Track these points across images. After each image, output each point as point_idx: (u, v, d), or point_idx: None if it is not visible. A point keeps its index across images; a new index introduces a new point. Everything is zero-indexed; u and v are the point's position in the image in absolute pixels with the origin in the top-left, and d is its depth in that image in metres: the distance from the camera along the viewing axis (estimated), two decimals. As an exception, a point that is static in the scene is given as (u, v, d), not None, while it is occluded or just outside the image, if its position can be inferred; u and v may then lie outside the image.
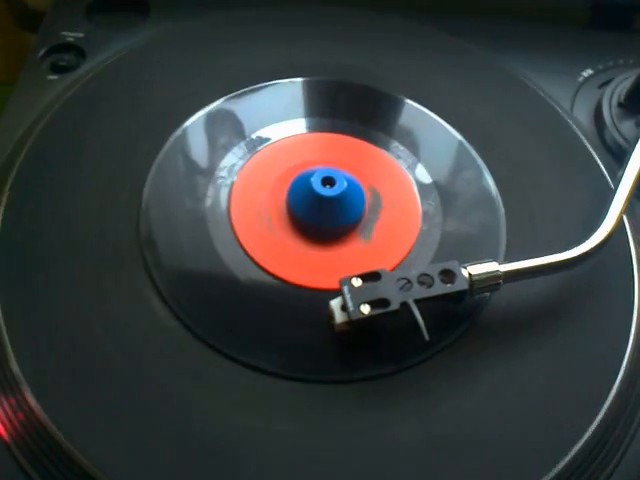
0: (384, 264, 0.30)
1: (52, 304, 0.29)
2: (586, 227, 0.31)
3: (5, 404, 0.28)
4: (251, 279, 0.31)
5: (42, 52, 0.39)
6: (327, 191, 0.30)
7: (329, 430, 0.27)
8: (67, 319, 0.29)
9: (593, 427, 0.28)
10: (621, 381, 0.29)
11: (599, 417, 0.28)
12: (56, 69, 0.38)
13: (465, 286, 0.28)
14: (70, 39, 0.40)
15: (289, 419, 0.27)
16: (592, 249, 0.30)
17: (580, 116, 0.39)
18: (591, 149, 0.37)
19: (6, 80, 0.48)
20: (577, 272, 0.30)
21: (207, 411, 0.27)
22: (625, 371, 0.29)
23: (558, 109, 0.38)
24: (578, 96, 0.40)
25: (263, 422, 0.27)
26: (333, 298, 0.28)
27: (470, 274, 0.28)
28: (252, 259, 0.31)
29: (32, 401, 0.27)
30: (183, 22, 0.41)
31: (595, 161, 0.36)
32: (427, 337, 0.26)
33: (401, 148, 0.36)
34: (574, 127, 0.37)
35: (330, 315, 0.28)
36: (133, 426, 0.27)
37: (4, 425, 0.27)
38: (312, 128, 0.36)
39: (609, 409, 0.28)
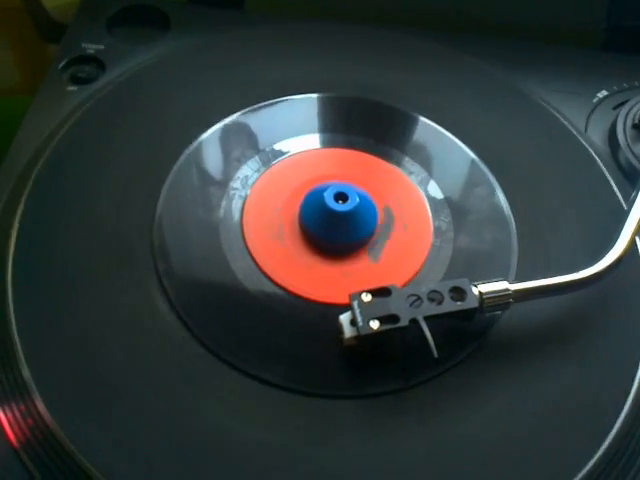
0: (395, 280, 0.30)
1: (65, 312, 0.30)
2: (598, 248, 0.31)
3: (15, 409, 0.28)
4: (261, 291, 0.31)
5: (63, 63, 0.40)
6: (339, 206, 0.31)
7: (333, 445, 0.27)
8: (79, 327, 0.29)
9: (602, 450, 0.27)
10: (632, 402, 0.29)
11: (608, 439, 0.28)
12: (76, 80, 0.39)
13: (475, 304, 0.28)
14: (90, 51, 0.40)
15: (292, 433, 0.27)
16: (604, 270, 0.30)
17: (594, 137, 0.39)
18: (605, 170, 0.36)
19: (27, 90, 0.49)
20: (588, 292, 0.30)
21: (212, 423, 0.27)
22: (636, 392, 0.29)
23: (572, 129, 0.38)
24: (592, 117, 0.40)
25: (265, 435, 0.27)
26: (342, 313, 0.29)
27: (480, 292, 0.28)
28: (263, 271, 0.31)
29: (41, 407, 0.27)
30: (201, 36, 0.41)
31: (608, 182, 0.36)
32: (436, 355, 0.26)
33: (414, 164, 0.36)
34: (588, 148, 0.37)
35: (339, 329, 0.28)
36: (141, 435, 0.27)
37: (13, 431, 0.28)
38: (326, 143, 0.36)
39: (619, 431, 0.28)
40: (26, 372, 0.28)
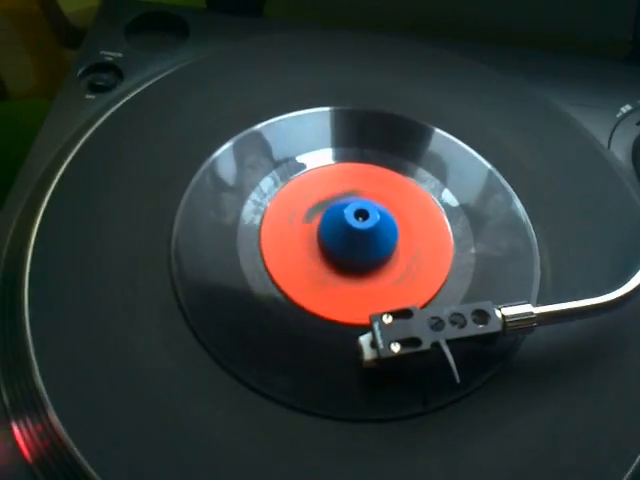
0: (416, 298, 0.30)
1: (79, 322, 0.29)
2: (623, 267, 0.31)
3: (29, 424, 0.28)
4: (277, 309, 0.30)
5: (81, 71, 0.39)
6: (360, 224, 0.30)
7: (348, 471, 0.27)
8: (94, 338, 0.29)
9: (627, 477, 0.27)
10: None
11: (633, 467, 0.27)
12: (94, 89, 0.39)
13: (498, 328, 0.28)
14: (109, 59, 0.40)
15: (305, 456, 0.27)
16: (631, 292, 0.29)
17: (617, 153, 0.38)
18: (629, 186, 0.36)
19: (44, 95, 0.49)
20: (615, 314, 0.30)
21: (226, 442, 0.27)
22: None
23: (595, 145, 0.38)
24: (616, 132, 0.39)
25: (277, 457, 0.27)
26: (361, 333, 0.28)
27: (504, 316, 0.28)
28: (280, 289, 0.31)
29: (55, 421, 0.27)
30: (221, 44, 0.41)
31: (632, 199, 0.35)
32: (458, 380, 0.26)
33: (432, 178, 0.35)
34: (611, 164, 0.37)
35: (358, 351, 0.28)
36: (155, 449, 0.27)
37: (26, 445, 0.27)
38: (344, 157, 0.36)
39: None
40: (40, 385, 0.27)
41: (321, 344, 0.29)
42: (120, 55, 0.40)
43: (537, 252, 0.33)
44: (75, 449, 0.26)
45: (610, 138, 0.39)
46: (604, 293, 0.29)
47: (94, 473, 0.26)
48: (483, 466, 0.27)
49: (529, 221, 0.34)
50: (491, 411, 0.28)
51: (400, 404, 0.28)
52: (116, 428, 0.27)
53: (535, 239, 0.33)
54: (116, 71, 0.40)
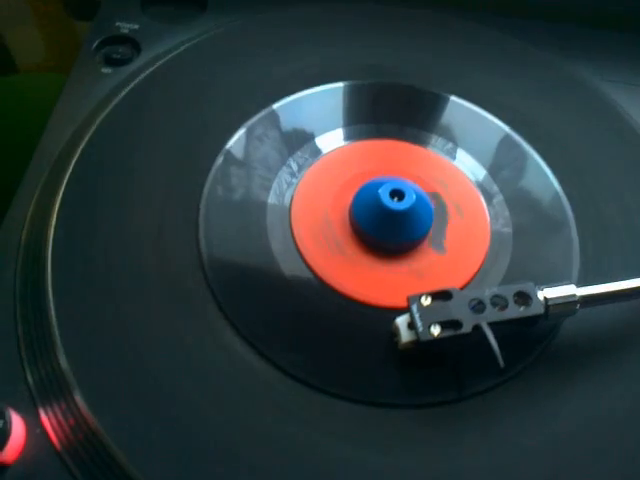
0: (454, 280, 0.29)
1: (104, 302, 0.28)
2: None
3: (57, 410, 0.27)
4: (313, 294, 0.29)
5: (96, 43, 0.38)
6: (396, 204, 0.29)
7: (383, 457, 0.26)
8: (119, 316, 0.28)
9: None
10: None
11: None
12: (110, 62, 0.37)
13: (541, 310, 0.27)
14: (125, 31, 0.39)
15: (334, 441, 0.26)
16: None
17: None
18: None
19: (54, 67, 0.48)
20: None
21: (259, 426, 0.26)
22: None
23: (632, 123, 0.36)
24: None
25: (312, 443, 0.26)
26: (395, 317, 0.27)
27: (546, 298, 0.27)
28: (312, 271, 0.30)
29: (84, 408, 0.26)
30: (239, 18, 0.39)
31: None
32: (502, 364, 0.25)
33: (463, 152, 0.34)
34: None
35: (394, 332, 0.27)
36: (180, 434, 0.26)
37: (55, 432, 0.27)
38: (371, 134, 0.35)
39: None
40: (69, 373, 0.26)
41: (354, 328, 0.28)
42: (136, 27, 0.39)
43: (574, 228, 0.32)
44: (105, 435, 0.25)
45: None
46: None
47: (125, 459, 0.25)
48: (522, 456, 0.26)
49: (565, 197, 0.33)
50: (533, 395, 0.27)
51: (437, 389, 0.27)
52: (147, 412, 0.26)
53: (572, 215, 0.33)
54: (133, 43, 0.38)
